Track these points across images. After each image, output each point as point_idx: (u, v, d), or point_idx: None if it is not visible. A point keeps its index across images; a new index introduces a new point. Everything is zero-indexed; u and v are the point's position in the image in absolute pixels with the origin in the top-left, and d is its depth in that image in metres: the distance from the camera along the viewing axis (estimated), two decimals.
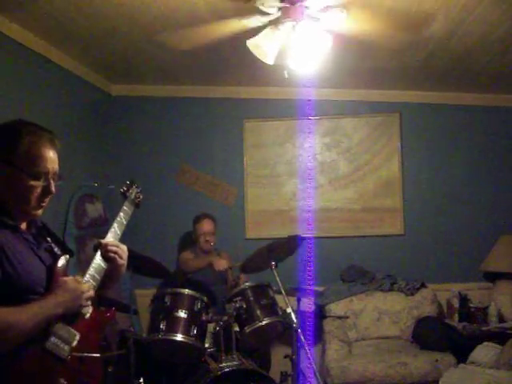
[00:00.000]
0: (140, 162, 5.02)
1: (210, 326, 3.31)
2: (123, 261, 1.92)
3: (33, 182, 1.67)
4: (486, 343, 3.74)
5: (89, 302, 1.75)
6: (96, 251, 1.90)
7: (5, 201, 1.68)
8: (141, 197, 2.24)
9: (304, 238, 4.02)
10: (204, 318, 3.26)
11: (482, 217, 4.81)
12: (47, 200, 1.74)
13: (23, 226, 1.75)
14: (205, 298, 3.33)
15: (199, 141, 5.02)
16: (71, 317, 1.69)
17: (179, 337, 3.13)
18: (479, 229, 4.79)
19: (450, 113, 4.90)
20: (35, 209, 1.71)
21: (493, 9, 2.99)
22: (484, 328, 4.14)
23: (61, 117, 3.94)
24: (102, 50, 3.97)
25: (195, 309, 3.25)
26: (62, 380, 1.61)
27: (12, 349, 1.53)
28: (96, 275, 1.83)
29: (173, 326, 3.16)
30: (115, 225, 2.00)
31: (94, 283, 1.81)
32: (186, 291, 3.32)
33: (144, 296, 4.16)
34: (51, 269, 1.71)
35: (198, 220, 4.35)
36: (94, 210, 4.38)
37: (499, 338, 3.84)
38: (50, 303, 1.63)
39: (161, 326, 3.14)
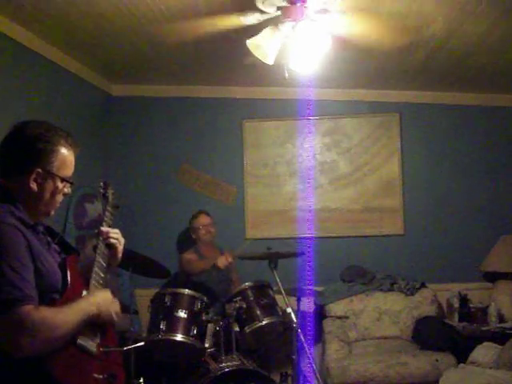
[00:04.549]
0: (140, 162, 5.02)
1: (210, 326, 3.31)
2: (121, 247, 2.03)
3: (61, 185, 1.77)
4: (485, 343, 3.74)
5: (115, 317, 1.83)
6: (95, 250, 1.96)
7: (26, 203, 1.72)
8: (116, 199, 2.28)
9: (304, 253, 4.02)
10: (204, 317, 3.26)
11: (482, 217, 4.81)
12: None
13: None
14: (205, 298, 3.33)
15: (199, 141, 5.02)
16: (100, 325, 1.77)
17: (179, 337, 3.13)
18: (479, 229, 4.79)
19: (449, 113, 4.90)
20: (53, 209, 1.81)
21: (493, 9, 2.99)
22: (484, 328, 4.14)
23: (61, 117, 3.93)
24: (102, 50, 3.97)
25: (195, 309, 3.25)
26: (95, 375, 1.69)
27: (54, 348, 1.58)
28: (101, 273, 1.90)
29: (173, 326, 3.16)
30: (104, 224, 2.08)
31: (101, 281, 1.89)
32: (186, 291, 3.32)
33: (144, 296, 4.16)
34: (62, 268, 1.76)
35: (193, 217, 4.42)
36: (94, 210, 4.38)
37: (499, 338, 3.84)
38: (87, 302, 1.73)
39: (161, 326, 3.14)
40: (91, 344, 1.71)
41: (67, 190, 1.82)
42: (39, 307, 1.56)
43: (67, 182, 1.79)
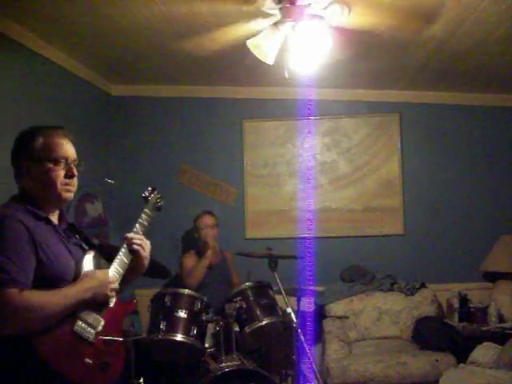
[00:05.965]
0: (140, 162, 5.02)
1: (210, 326, 3.31)
2: (146, 254, 2.08)
3: (53, 166, 1.83)
4: (485, 343, 3.73)
5: (113, 293, 1.90)
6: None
7: (36, 196, 1.84)
8: (162, 202, 2.40)
9: (303, 257, 3.98)
10: (204, 317, 3.26)
11: (481, 217, 4.81)
12: (73, 183, 1.90)
13: (55, 220, 1.91)
14: (205, 298, 3.33)
15: (199, 141, 5.02)
16: (99, 306, 1.84)
17: (179, 337, 3.14)
18: (479, 229, 4.79)
19: (450, 113, 4.90)
20: (64, 191, 1.86)
21: (493, 9, 2.98)
22: (484, 328, 4.14)
23: (61, 117, 3.93)
24: (102, 50, 3.96)
25: (195, 309, 3.26)
26: (87, 359, 1.75)
27: (43, 329, 1.65)
28: (120, 269, 1.98)
29: (173, 326, 3.16)
30: (137, 225, 2.15)
31: (117, 276, 1.96)
32: (186, 291, 3.33)
33: (144, 296, 4.16)
34: (80, 262, 1.86)
35: (199, 216, 4.37)
36: (94, 209, 4.38)
37: (499, 338, 3.84)
38: (80, 287, 1.78)
39: (161, 326, 3.14)
40: (90, 331, 1.78)
41: (72, 169, 1.87)
42: (26, 291, 1.64)
43: (58, 160, 1.83)
